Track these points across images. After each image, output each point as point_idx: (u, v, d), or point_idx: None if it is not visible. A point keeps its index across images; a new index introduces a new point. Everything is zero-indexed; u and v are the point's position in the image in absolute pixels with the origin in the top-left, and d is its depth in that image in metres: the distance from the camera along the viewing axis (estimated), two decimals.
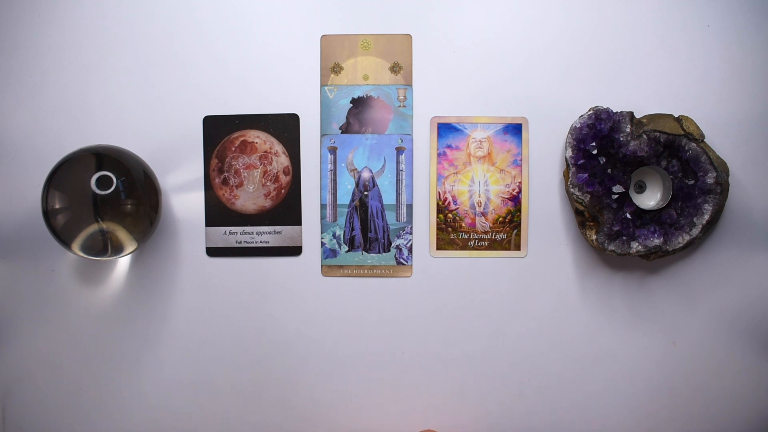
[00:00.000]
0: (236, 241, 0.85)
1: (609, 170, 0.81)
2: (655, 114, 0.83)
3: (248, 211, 0.85)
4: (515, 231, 0.85)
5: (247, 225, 0.85)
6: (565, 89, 0.84)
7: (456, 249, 0.85)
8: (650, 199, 0.83)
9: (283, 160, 0.85)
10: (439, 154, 0.85)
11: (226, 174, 0.85)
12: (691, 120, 0.82)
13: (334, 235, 0.85)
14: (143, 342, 0.85)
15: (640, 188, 0.83)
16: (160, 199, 0.80)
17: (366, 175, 0.85)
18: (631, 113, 0.81)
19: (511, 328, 0.85)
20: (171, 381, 0.86)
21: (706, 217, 0.81)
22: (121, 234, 0.77)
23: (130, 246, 0.79)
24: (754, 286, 0.84)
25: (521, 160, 0.85)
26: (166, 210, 0.85)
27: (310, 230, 0.85)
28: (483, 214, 0.85)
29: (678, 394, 0.85)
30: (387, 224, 0.85)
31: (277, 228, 0.85)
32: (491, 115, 0.85)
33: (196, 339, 0.85)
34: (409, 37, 0.85)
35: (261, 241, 0.85)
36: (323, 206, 0.85)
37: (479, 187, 0.85)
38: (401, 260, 0.85)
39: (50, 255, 0.84)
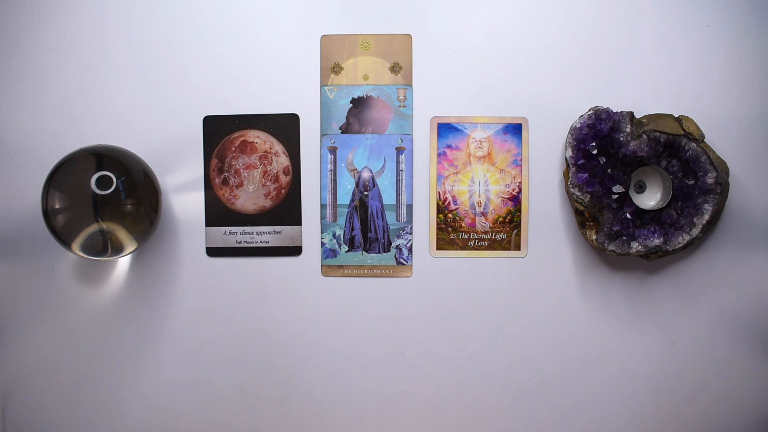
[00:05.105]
0: (236, 241, 0.85)
1: (609, 170, 0.81)
2: (655, 114, 0.83)
3: (248, 211, 0.85)
4: (515, 231, 0.85)
5: (247, 225, 0.85)
6: (565, 89, 0.84)
7: (456, 249, 0.85)
8: (650, 199, 0.83)
9: (283, 160, 0.85)
10: (439, 154, 0.85)
11: (226, 174, 0.85)
12: (691, 120, 0.82)
13: (334, 235, 0.85)
14: (143, 342, 0.85)
15: (640, 188, 0.83)
16: (160, 199, 0.80)
17: (366, 175, 0.85)
18: (631, 113, 0.81)
19: (511, 328, 0.85)
20: (171, 381, 0.86)
21: (706, 217, 0.81)
22: (121, 234, 0.77)
23: (130, 246, 0.79)
24: (754, 286, 0.84)
25: (521, 160, 0.85)
26: (166, 210, 0.85)
27: (310, 230, 0.85)
28: (483, 214, 0.85)
29: (678, 394, 0.85)
30: (387, 224, 0.85)
31: (277, 228, 0.85)
32: (491, 115, 0.85)
33: (196, 339, 0.85)
34: (409, 37, 0.85)
35: (261, 241, 0.85)
36: (323, 206, 0.85)
37: (479, 187, 0.85)
38: (401, 260, 0.85)
39: (50, 255, 0.84)
